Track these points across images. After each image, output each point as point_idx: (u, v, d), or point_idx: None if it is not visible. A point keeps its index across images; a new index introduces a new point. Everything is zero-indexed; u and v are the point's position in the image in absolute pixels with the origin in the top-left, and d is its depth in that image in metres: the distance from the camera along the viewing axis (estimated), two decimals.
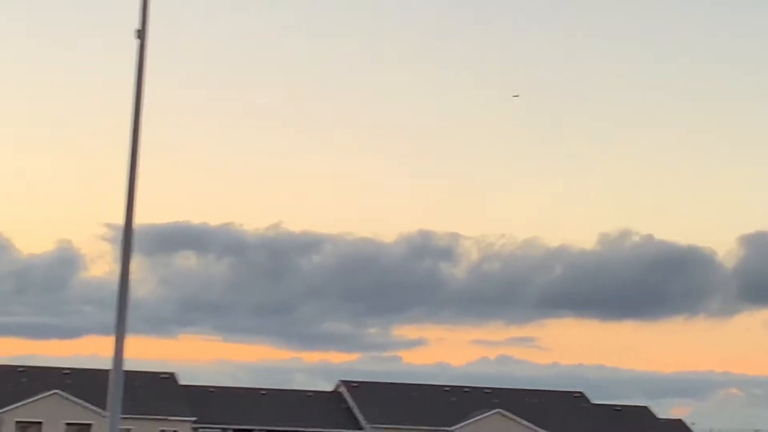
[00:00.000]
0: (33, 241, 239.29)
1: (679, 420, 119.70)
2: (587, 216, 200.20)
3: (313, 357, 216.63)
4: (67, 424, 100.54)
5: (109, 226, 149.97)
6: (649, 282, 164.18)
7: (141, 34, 20.56)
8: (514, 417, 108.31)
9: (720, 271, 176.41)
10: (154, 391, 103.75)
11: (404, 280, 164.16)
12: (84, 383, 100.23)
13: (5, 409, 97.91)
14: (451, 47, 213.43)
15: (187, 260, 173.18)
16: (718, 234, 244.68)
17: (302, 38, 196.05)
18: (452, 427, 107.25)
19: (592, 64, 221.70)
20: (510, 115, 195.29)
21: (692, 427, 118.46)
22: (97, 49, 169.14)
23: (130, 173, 20.43)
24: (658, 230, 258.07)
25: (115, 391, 20.20)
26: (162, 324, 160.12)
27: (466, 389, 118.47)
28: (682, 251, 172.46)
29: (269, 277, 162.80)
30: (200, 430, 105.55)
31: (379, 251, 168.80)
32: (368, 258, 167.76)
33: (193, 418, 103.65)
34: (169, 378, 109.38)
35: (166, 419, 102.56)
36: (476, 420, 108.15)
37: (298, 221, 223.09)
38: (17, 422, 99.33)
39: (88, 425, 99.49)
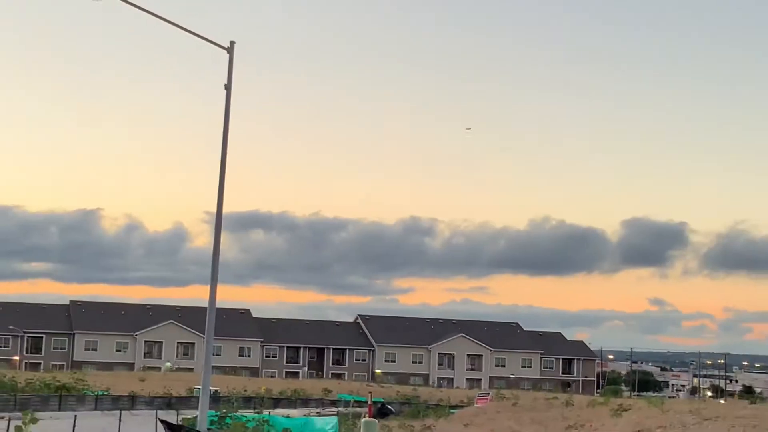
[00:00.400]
0: (156, 222, 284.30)
1: (581, 341, 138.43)
2: (520, 206, 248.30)
3: (340, 299, 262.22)
4: (178, 342, 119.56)
5: (207, 213, 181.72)
6: (561, 250, 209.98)
7: (227, 86, 22.46)
8: (471, 339, 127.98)
9: (608, 244, 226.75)
10: (235, 321, 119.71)
11: (400, 249, 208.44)
12: (190, 316, 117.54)
13: (138, 332, 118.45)
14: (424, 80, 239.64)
15: (257, 235, 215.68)
16: (607, 219, 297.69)
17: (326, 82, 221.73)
18: (431, 345, 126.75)
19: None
20: (468, 141, 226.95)
21: (590, 346, 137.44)
22: (201, 95, 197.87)
23: (220, 178, 22.58)
24: (568, 217, 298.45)
25: (209, 321, 22.28)
26: (241, 277, 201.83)
27: (440, 320, 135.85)
28: (583, 230, 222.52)
29: (311, 247, 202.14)
30: (266, 347, 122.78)
31: (383, 230, 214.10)
32: (377, 235, 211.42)
33: (261, 339, 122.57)
34: (245, 313, 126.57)
35: (244, 339, 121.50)
36: (446, 341, 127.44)
37: (331, 210, 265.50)
38: (145, 341, 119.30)
39: (192, 344, 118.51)
